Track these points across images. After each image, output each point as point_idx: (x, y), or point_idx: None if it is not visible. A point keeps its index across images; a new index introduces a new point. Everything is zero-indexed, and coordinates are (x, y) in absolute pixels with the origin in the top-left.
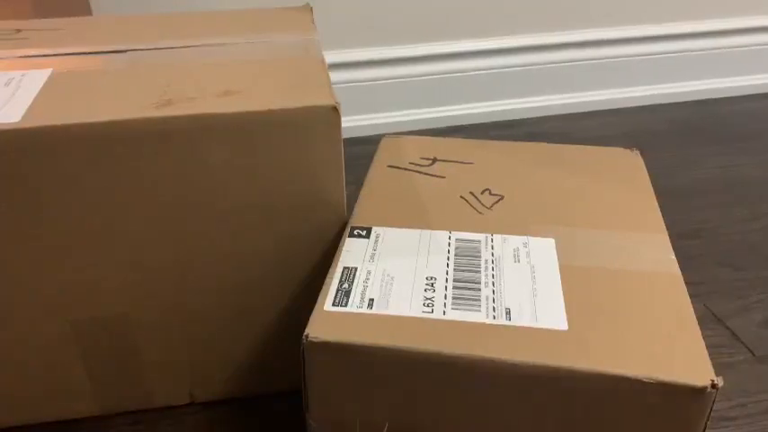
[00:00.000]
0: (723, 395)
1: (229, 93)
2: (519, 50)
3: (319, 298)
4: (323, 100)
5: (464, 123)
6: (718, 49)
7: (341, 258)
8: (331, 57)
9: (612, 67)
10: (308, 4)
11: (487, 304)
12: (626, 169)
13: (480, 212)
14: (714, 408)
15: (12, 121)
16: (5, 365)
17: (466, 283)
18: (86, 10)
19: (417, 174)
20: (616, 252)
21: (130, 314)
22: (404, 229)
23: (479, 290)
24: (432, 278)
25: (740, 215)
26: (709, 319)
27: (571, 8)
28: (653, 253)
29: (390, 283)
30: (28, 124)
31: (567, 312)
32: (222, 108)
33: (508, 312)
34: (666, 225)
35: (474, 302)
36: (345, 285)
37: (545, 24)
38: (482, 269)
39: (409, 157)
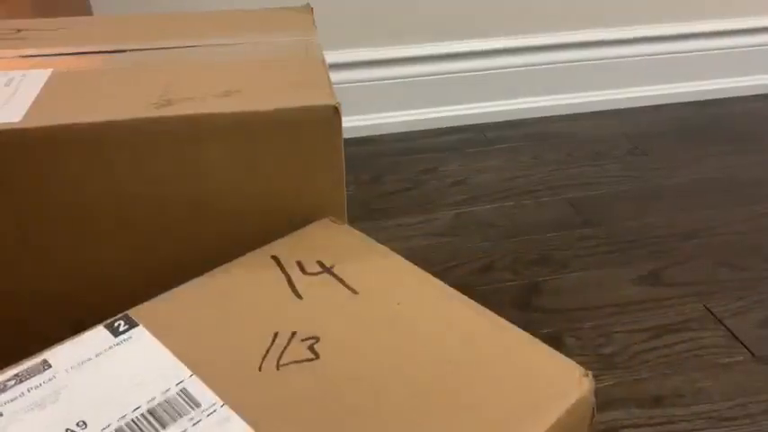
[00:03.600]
0: (723, 395)
1: (229, 93)
2: (519, 50)
3: None
4: (323, 100)
5: (464, 123)
6: (718, 49)
7: (51, 350)
8: (331, 57)
9: (612, 67)
10: (308, 4)
11: None
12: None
13: (259, 369)
14: (713, 408)
15: (12, 120)
16: (3, 365)
17: None
18: (86, 10)
19: (283, 280)
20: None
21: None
22: (162, 348)
23: None
24: (83, 423)
25: (740, 215)
26: (709, 320)
27: (571, 8)
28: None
29: (40, 408)
30: (28, 124)
31: None
32: (222, 108)
33: None
34: (666, 225)
35: None
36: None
37: (545, 24)
38: None
39: (309, 253)
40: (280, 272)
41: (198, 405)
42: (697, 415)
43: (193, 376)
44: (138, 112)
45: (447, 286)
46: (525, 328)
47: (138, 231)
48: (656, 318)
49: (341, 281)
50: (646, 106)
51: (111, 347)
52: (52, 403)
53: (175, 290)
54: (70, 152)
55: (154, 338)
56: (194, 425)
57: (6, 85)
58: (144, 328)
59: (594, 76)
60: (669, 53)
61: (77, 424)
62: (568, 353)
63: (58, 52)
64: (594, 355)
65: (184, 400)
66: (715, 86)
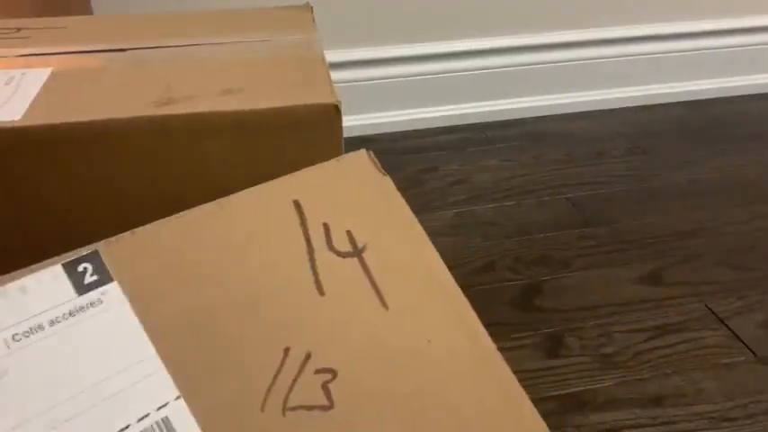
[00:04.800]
0: (724, 395)
1: (230, 91)
2: (518, 50)
3: None
4: (324, 98)
5: (464, 123)
6: (718, 49)
7: None
8: (331, 56)
9: (612, 67)
10: (308, 4)
11: None
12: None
13: (261, 409)
14: (715, 408)
15: (12, 119)
16: None
17: None
18: (87, 9)
19: (303, 251)
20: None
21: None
22: (141, 333)
23: None
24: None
25: (740, 215)
26: (710, 320)
27: (570, 8)
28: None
29: None
30: (28, 122)
31: None
32: (223, 107)
33: None
34: (666, 225)
35: None
36: None
37: (545, 24)
38: None
39: (339, 210)
40: (300, 232)
41: None
42: (698, 415)
43: (180, 400)
44: (138, 111)
45: (484, 332)
46: (525, 328)
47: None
48: (657, 317)
49: (371, 279)
50: (645, 105)
51: (71, 313)
52: None
53: (171, 219)
54: (70, 151)
55: (131, 312)
56: None
57: (6, 83)
58: (118, 288)
59: (594, 75)
60: (669, 52)
61: None
62: (569, 353)
63: (58, 51)
64: (595, 355)
65: None
66: (715, 86)
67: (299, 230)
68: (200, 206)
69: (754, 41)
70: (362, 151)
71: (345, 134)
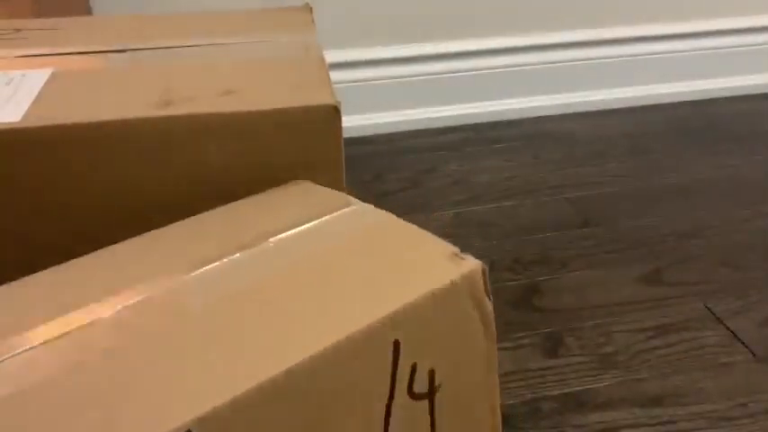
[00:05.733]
0: (723, 395)
1: (230, 92)
2: (519, 50)
3: None
4: (323, 99)
5: (464, 123)
6: (718, 49)
7: None
8: (331, 56)
9: (612, 67)
10: (307, 4)
11: None
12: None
13: None
14: (714, 407)
15: (12, 120)
16: None
17: None
18: (86, 10)
19: (384, 397)
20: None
21: None
22: None
23: None
24: None
25: (740, 215)
26: (710, 320)
27: (570, 8)
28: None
29: None
30: (28, 124)
31: None
32: (222, 108)
33: None
34: (666, 224)
35: None
36: None
37: (545, 24)
38: None
39: (432, 348)
40: (389, 380)
41: None
42: (698, 415)
43: None
44: (137, 112)
45: None
46: (525, 328)
47: (138, 231)
48: (657, 317)
49: (432, 423)
50: (645, 106)
51: None
52: None
53: (275, 381)
54: (70, 152)
55: None
56: None
57: (6, 84)
58: None
59: (594, 75)
60: (669, 52)
61: None
62: (568, 352)
63: (57, 52)
64: (595, 355)
65: None
66: (714, 86)
67: (388, 378)
68: (306, 359)
69: (754, 41)
70: (479, 266)
71: (345, 134)
